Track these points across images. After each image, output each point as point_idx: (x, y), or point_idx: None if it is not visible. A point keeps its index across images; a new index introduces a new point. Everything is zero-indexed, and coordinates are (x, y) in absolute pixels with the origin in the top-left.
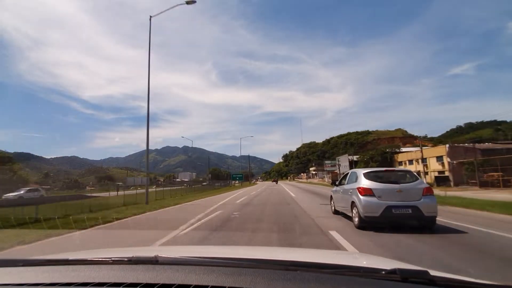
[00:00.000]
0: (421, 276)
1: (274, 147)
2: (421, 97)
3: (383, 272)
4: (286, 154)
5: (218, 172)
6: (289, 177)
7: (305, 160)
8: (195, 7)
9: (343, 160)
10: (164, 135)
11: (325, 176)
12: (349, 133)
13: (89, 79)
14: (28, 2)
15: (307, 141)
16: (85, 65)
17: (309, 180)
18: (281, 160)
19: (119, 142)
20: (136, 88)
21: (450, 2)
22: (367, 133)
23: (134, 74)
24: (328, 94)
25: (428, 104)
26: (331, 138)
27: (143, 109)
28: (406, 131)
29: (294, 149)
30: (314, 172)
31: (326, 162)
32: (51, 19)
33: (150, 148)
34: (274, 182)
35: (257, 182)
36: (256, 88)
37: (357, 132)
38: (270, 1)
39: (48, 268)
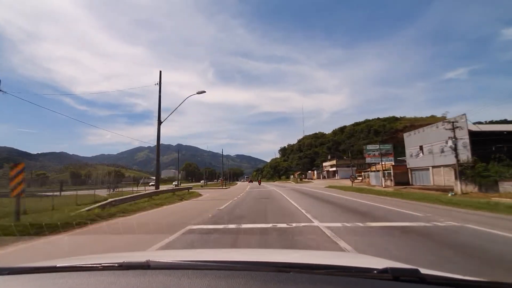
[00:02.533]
0: (412, 275)
1: (269, 147)
2: (416, 100)
3: (375, 272)
4: (284, 147)
5: (193, 168)
6: (292, 176)
7: (311, 153)
8: (193, 4)
9: (462, 130)
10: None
11: (366, 176)
12: (368, 120)
13: (83, 75)
14: None
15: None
16: (79, 60)
17: (329, 181)
18: (278, 156)
19: (111, 139)
20: (131, 85)
21: (446, 7)
22: (394, 119)
23: (130, 71)
24: (325, 95)
25: (422, 107)
26: (344, 127)
27: (137, 107)
28: (445, 117)
29: (295, 141)
30: (332, 169)
31: (370, 147)
32: (45, 12)
33: (142, 145)
34: (256, 183)
35: (235, 184)
36: (253, 87)
37: (379, 118)
38: (269, 1)
39: (35, 276)
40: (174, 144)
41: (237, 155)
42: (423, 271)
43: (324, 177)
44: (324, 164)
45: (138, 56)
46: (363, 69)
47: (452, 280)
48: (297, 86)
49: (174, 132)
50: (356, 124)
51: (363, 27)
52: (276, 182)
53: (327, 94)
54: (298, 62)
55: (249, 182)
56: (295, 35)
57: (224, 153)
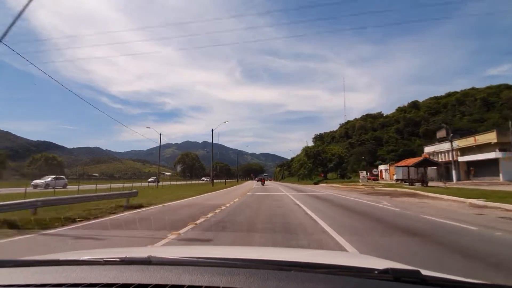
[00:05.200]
0: (413, 276)
1: (295, 146)
2: None
3: (376, 272)
4: (320, 134)
5: (192, 160)
6: (362, 174)
7: (368, 139)
8: (221, 4)
9: None
10: (186, 130)
11: None
12: (454, 93)
13: (118, 75)
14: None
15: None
16: (114, 61)
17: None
18: (311, 144)
19: (141, 136)
20: (162, 85)
21: None
22: (504, 87)
23: (161, 71)
24: (354, 94)
25: None
26: (416, 102)
27: (167, 105)
28: None
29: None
30: (477, 158)
31: None
32: (85, 16)
33: (170, 142)
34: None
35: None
36: (279, 86)
37: (474, 88)
38: None
39: (38, 269)
40: (200, 141)
41: (262, 154)
42: (424, 272)
43: (439, 178)
44: (427, 149)
45: (168, 56)
46: (396, 66)
47: (453, 282)
48: (325, 84)
49: (201, 130)
50: (436, 98)
51: (397, 22)
52: (329, 185)
53: (357, 92)
54: (326, 60)
55: (257, 180)
56: (323, 32)
57: (249, 151)
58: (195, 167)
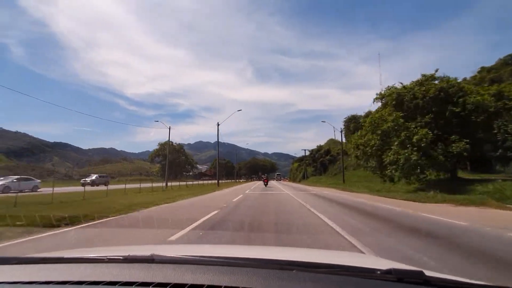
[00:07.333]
0: (416, 277)
1: (307, 146)
2: None
3: (379, 272)
4: (353, 116)
5: (176, 156)
6: None
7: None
8: (232, 4)
9: None
10: (198, 131)
11: None
12: None
13: (132, 78)
14: (81, 5)
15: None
16: (128, 64)
17: None
18: (372, 107)
19: (154, 137)
20: (175, 86)
21: None
22: None
23: (174, 73)
24: (367, 92)
25: None
26: None
27: (180, 106)
28: None
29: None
30: None
31: None
32: (101, 20)
33: (182, 142)
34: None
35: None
36: (290, 85)
37: None
38: None
39: (42, 266)
40: (212, 141)
41: (275, 153)
42: (428, 273)
43: None
44: None
45: (180, 58)
46: (410, 62)
47: (456, 283)
48: (336, 82)
49: (213, 130)
50: None
51: (412, 17)
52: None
53: (369, 90)
54: (338, 58)
55: (263, 181)
56: (336, 29)
57: (262, 151)
58: (178, 162)
